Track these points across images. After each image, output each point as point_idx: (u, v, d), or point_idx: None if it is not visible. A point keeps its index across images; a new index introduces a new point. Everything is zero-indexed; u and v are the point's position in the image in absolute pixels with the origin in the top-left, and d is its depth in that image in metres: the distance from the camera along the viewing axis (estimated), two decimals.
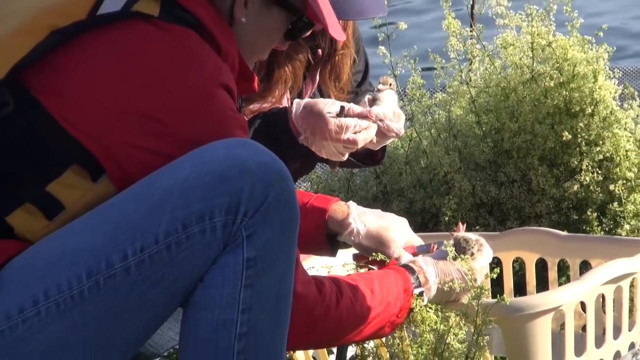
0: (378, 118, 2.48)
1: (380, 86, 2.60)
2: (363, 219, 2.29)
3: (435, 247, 2.26)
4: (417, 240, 2.33)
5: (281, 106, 2.62)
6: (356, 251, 2.33)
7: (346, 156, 2.53)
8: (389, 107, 2.51)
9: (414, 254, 2.25)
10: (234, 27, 1.98)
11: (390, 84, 2.63)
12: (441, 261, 2.19)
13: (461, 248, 2.24)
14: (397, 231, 2.31)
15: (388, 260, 2.22)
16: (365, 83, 2.89)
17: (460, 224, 2.36)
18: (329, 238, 2.30)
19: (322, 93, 2.76)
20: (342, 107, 2.45)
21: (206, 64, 1.86)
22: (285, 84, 2.62)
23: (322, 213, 2.29)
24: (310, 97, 2.72)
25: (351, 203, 2.31)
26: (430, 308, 2.12)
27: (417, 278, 2.14)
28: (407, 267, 2.16)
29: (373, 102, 2.53)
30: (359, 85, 2.87)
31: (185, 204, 1.76)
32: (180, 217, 1.76)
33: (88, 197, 1.82)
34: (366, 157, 2.69)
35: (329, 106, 2.47)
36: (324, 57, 2.68)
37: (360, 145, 2.48)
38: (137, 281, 1.76)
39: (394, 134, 2.53)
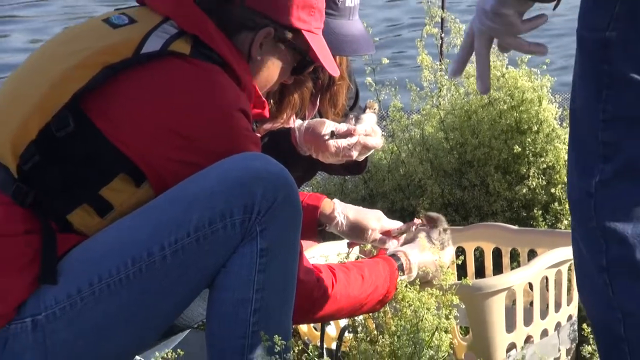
0: (362, 134, 2.48)
1: (367, 110, 2.60)
2: (345, 212, 2.26)
3: (403, 227, 2.26)
4: (394, 225, 2.29)
5: (287, 126, 2.63)
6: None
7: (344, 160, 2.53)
8: (367, 125, 2.52)
9: (391, 235, 2.24)
10: (251, 63, 1.98)
11: (374, 108, 2.64)
12: (422, 252, 2.19)
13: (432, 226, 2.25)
14: (372, 220, 2.27)
15: (376, 252, 2.22)
16: (355, 107, 2.88)
17: (422, 216, 2.36)
18: (319, 229, 2.28)
19: (321, 115, 2.77)
20: (332, 132, 2.45)
21: (228, 93, 1.86)
22: (293, 108, 2.61)
23: (315, 209, 2.26)
24: (311, 119, 2.72)
25: (336, 200, 2.30)
26: (409, 288, 2.12)
27: (402, 265, 2.14)
28: (394, 256, 2.15)
29: (356, 120, 2.53)
30: (351, 108, 2.86)
31: (211, 205, 1.77)
32: (207, 216, 1.77)
33: (132, 200, 1.82)
34: (353, 166, 2.69)
35: (324, 129, 2.46)
36: (323, 87, 2.67)
37: (354, 157, 2.49)
38: (172, 267, 1.77)
39: (373, 147, 2.53)
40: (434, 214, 2.29)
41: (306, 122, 2.52)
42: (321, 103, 2.72)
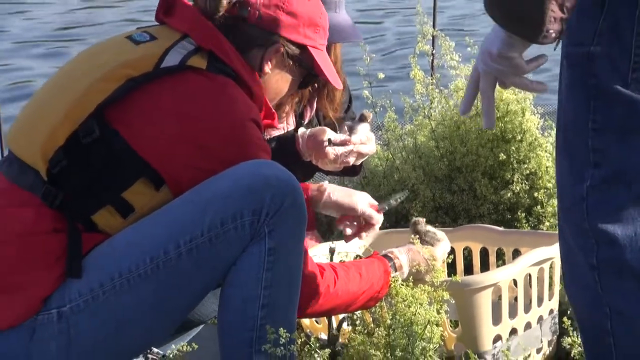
0: (357, 143, 2.49)
1: (362, 120, 2.61)
2: (334, 186, 2.22)
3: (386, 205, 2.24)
4: (373, 201, 2.25)
5: (288, 125, 2.63)
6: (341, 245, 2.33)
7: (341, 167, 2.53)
8: (362, 134, 2.53)
9: (377, 210, 2.21)
10: (262, 77, 1.99)
11: (369, 118, 2.65)
12: (411, 250, 2.20)
13: (421, 235, 2.25)
14: (359, 194, 2.23)
15: (373, 251, 2.22)
16: (350, 111, 2.89)
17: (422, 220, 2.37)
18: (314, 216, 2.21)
19: (318, 115, 2.77)
20: (330, 139, 2.46)
21: (241, 105, 1.86)
22: (292, 99, 2.62)
23: (306, 190, 2.18)
24: (310, 120, 2.73)
25: (326, 182, 2.24)
26: (402, 284, 2.12)
27: (394, 264, 2.14)
28: (386, 256, 2.16)
29: (351, 130, 2.54)
30: (346, 112, 2.88)
31: (224, 208, 1.77)
32: (219, 217, 1.77)
33: (152, 202, 1.82)
34: (350, 170, 2.71)
35: (324, 137, 2.47)
36: (320, 87, 2.68)
37: (351, 164, 2.50)
38: (186, 264, 1.77)
39: (367, 153, 2.55)
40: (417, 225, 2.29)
41: (309, 130, 2.53)
42: (320, 100, 2.72)
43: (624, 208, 1.60)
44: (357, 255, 2.28)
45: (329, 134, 2.47)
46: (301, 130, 2.54)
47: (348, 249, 2.37)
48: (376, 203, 2.24)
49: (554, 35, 1.51)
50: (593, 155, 1.59)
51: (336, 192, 2.19)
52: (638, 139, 1.56)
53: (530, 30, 1.51)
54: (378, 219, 2.21)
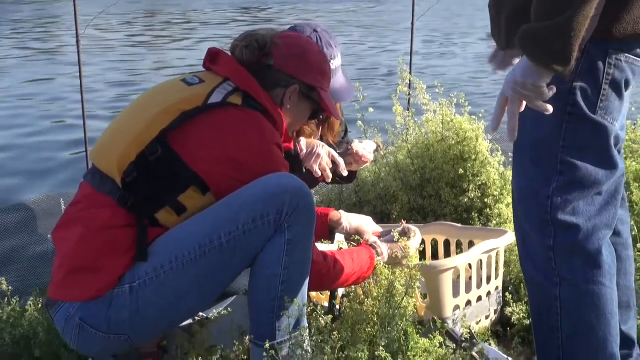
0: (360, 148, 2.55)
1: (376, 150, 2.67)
2: (349, 220, 2.28)
3: (392, 233, 2.27)
4: (378, 228, 2.32)
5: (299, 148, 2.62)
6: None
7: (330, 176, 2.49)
8: (359, 145, 2.57)
9: (379, 237, 2.25)
10: (283, 110, 1.99)
11: (380, 145, 2.70)
12: (390, 242, 2.20)
13: (405, 233, 2.26)
14: (368, 225, 2.30)
15: (362, 241, 2.23)
16: (346, 137, 2.89)
17: (403, 220, 2.37)
18: (330, 232, 2.30)
19: (322, 141, 2.77)
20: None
21: (268, 132, 1.86)
22: (306, 133, 2.64)
23: (326, 217, 2.27)
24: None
25: (341, 211, 2.31)
26: (385, 267, 2.12)
27: (377, 251, 2.15)
28: (372, 245, 2.17)
29: (348, 144, 2.55)
30: (343, 138, 2.88)
31: (254, 208, 1.76)
32: (251, 216, 1.76)
33: (200, 204, 1.82)
34: (346, 178, 2.73)
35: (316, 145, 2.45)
36: (323, 119, 2.69)
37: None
38: (226, 251, 1.77)
39: (367, 159, 2.58)
40: (405, 226, 2.31)
41: (302, 139, 2.45)
42: (322, 130, 2.73)
43: (578, 205, 1.64)
44: (350, 244, 2.29)
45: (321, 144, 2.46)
46: (302, 140, 2.51)
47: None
48: (377, 229, 2.30)
49: (572, 68, 1.49)
50: (560, 166, 1.63)
51: (350, 225, 2.28)
52: (593, 154, 1.62)
53: (561, 64, 1.46)
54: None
